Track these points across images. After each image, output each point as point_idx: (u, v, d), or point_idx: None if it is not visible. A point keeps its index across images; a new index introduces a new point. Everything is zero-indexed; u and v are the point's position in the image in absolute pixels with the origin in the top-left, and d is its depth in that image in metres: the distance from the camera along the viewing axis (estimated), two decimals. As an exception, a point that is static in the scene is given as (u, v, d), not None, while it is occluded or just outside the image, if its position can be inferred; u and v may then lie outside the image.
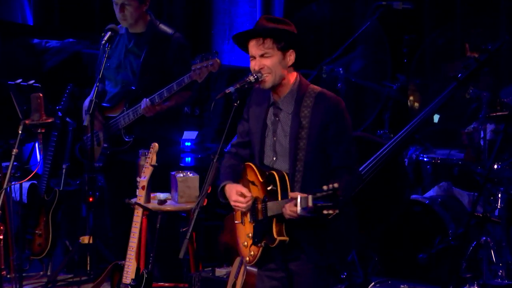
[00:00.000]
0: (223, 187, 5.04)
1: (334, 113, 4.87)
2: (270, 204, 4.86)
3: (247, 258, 5.00)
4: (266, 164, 4.99)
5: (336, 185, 4.56)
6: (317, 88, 4.97)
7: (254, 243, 4.94)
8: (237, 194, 4.93)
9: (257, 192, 4.95)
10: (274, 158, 4.96)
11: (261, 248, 4.91)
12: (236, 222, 5.09)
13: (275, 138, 4.96)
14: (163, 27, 7.13)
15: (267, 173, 4.91)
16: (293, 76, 4.97)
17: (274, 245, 4.85)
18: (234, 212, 5.10)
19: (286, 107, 4.95)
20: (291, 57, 4.92)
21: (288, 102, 4.95)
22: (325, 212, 4.59)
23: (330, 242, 4.93)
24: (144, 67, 7.06)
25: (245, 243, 5.02)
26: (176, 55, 7.02)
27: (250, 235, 4.97)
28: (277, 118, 4.97)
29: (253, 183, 4.98)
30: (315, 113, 4.87)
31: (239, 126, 5.16)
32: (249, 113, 5.08)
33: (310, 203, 4.62)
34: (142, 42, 7.09)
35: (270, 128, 4.99)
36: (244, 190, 4.91)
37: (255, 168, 4.98)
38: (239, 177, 5.06)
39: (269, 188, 4.87)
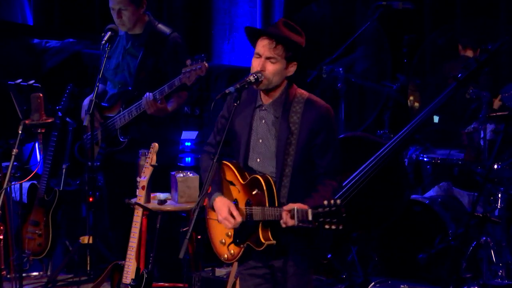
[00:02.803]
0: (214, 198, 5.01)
1: (324, 122, 4.89)
2: (256, 209, 4.86)
3: (225, 256, 5.00)
4: (250, 166, 4.99)
5: (338, 201, 4.61)
6: (305, 93, 4.98)
7: (236, 243, 4.94)
8: (228, 213, 4.91)
9: (237, 193, 4.95)
10: (258, 160, 4.97)
11: (242, 249, 4.93)
12: (211, 218, 5.07)
13: (260, 141, 4.97)
14: (161, 27, 7.09)
15: (251, 176, 4.91)
16: (284, 81, 4.97)
17: (261, 249, 4.87)
18: (207, 208, 5.07)
19: (274, 110, 4.95)
20: (292, 68, 4.92)
21: (277, 106, 4.95)
22: (327, 226, 4.63)
23: (312, 243, 4.96)
24: (141, 68, 7.02)
25: (223, 241, 5.01)
26: (170, 54, 6.99)
27: (230, 234, 4.97)
28: (263, 121, 4.97)
29: (231, 183, 4.97)
30: (305, 119, 4.89)
31: (217, 124, 5.11)
32: (232, 112, 4.97)
33: (310, 217, 4.66)
34: (139, 43, 7.06)
35: (255, 130, 4.99)
36: (236, 213, 4.89)
37: (233, 168, 4.97)
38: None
39: (254, 192, 4.87)
